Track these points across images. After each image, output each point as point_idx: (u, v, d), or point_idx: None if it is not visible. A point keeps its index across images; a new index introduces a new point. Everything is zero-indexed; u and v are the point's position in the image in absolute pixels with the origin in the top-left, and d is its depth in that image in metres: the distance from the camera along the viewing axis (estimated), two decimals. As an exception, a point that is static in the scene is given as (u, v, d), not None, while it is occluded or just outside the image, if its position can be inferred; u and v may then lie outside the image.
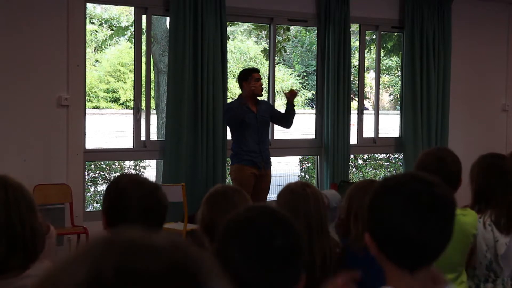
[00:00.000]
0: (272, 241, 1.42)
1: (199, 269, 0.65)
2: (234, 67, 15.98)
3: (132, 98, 7.16)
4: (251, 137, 6.41)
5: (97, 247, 0.65)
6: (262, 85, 6.54)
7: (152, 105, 8.74)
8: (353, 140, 7.99)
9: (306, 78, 16.98)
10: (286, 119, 6.72)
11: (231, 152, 6.57)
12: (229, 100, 7.14)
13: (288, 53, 16.62)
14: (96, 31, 15.42)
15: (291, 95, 6.61)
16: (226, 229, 1.47)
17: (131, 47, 14.79)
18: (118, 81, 15.93)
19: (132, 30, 8.10)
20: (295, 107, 6.85)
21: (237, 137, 6.45)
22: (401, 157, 8.67)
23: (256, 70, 6.62)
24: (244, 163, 6.40)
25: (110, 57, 15.96)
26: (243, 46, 16.69)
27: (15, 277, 1.95)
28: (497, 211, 3.12)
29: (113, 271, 0.62)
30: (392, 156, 11.61)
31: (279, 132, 7.95)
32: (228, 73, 7.27)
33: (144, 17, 6.93)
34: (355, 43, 8.65)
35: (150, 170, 10.23)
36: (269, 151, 6.61)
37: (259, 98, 6.56)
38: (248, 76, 6.48)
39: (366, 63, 9.13)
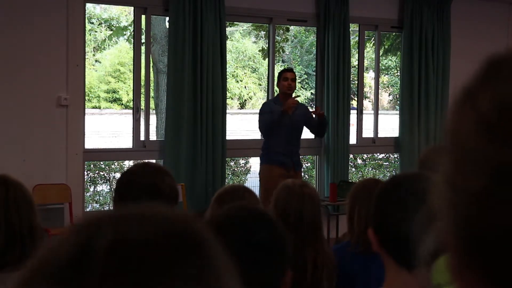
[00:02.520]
0: (250, 234, 1.42)
1: (196, 239, 0.63)
2: (233, 67, 15.98)
3: (132, 98, 7.16)
4: (282, 137, 6.45)
5: (87, 221, 0.63)
6: (290, 84, 6.61)
7: (152, 105, 8.74)
8: (353, 140, 8.00)
9: (306, 80, 17.00)
10: (317, 129, 6.84)
11: (260, 151, 6.64)
12: (228, 101, 7.15)
13: (287, 53, 16.62)
14: (95, 31, 15.42)
15: (319, 115, 6.71)
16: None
17: (130, 47, 14.83)
18: (118, 81, 15.93)
19: (132, 30, 8.10)
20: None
21: (269, 137, 6.48)
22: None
23: (288, 70, 6.81)
24: (273, 163, 6.42)
25: (110, 57, 15.96)
26: (242, 46, 16.68)
27: (13, 272, 1.98)
28: None
29: (104, 242, 0.59)
30: (391, 156, 11.61)
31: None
32: (227, 73, 7.27)
33: (143, 17, 6.92)
34: (354, 44, 8.64)
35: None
36: (299, 153, 6.65)
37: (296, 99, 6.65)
38: (280, 75, 6.67)
39: (366, 63, 9.13)
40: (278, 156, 6.42)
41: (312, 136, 7.86)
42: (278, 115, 6.37)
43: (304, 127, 6.82)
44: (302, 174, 12.02)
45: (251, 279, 1.39)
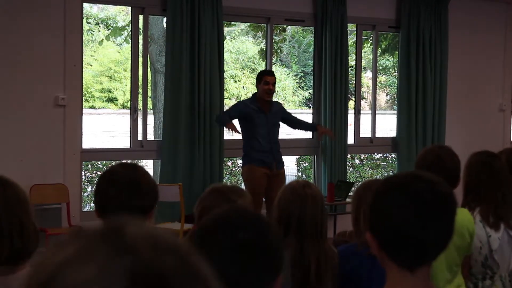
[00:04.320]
0: (236, 235, 1.42)
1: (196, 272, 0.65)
2: (232, 67, 15.97)
3: (129, 98, 7.16)
4: (262, 137, 6.47)
5: (102, 244, 0.62)
6: (271, 89, 6.57)
7: (149, 105, 8.74)
8: (350, 139, 8.00)
9: (303, 78, 16.99)
10: (301, 127, 7.07)
11: (242, 153, 6.62)
12: (226, 101, 7.16)
13: (285, 53, 16.61)
14: (93, 31, 15.41)
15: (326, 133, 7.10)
16: (196, 235, 1.48)
17: (118, 44, 14.81)
18: (111, 80, 15.90)
19: (129, 30, 8.09)
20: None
21: (248, 138, 6.49)
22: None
23: (269, 73, 6.73)
24: (255, 163, 6.42)
25: (99, 57, 15.93)
26: (242, 46, 16.68)
27: (7, 273, 1.96)
28: (484, 208, 3.15)
29: (126, 275, 0.60)
30: (389, 155, 11.63)
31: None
32: (225, 73, 7.27)
33: (141, 17, 6.92)
34: (352, 44, 8.65)
35: (147, 170, 10.20)
36: (280, 152, 6.65)
37: (273, 99, 6.69)
38: (261, 78, 6.59)
39: (363, 63, 9.13)
40: (260, 155, 6.45)
41: (310, 136, 7.87)
42: (248, 108, 6.52)
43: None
44: (301, 174, 12.04)
45: (234, 280, 1.38)
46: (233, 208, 1.60)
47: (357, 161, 12.15)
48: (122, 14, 14.89)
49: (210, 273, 0.67)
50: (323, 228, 2.73)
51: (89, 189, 10.33)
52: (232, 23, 13.40)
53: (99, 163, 10.07)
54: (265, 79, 6.55)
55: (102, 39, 11.53)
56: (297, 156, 11.43)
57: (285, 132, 8.27)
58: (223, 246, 1.40)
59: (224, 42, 7.28)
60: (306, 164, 11.95)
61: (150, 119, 9.01)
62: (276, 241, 1.46)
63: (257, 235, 1.43)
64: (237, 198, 2.42)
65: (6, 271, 1.97)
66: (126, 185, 2.23)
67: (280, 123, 6.79)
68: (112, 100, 16.02)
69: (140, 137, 6.93)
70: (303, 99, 17.18)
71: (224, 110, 6.99)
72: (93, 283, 0.59)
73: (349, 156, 8.36)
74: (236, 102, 6.78)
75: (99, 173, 10.41)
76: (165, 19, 7.16)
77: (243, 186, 6.59)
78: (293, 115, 7.00)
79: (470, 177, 3.21)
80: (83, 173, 7.21)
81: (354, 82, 8.37)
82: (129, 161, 2.40)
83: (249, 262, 1.40)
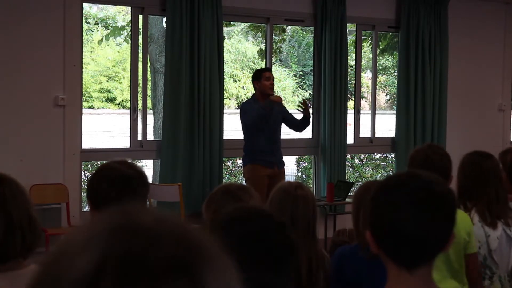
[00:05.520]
0: (264, 239, 1.42)
1: (202, 264, 0.64)
2: (232, 68, 15.97)
3: (128, 98, 7.16)
4: (264, 136, 6.45)
5: (102, 233, 0.64)
6: (272, 84, 6.60)
7: (149, 105, 8.73)
8: (350, 139, 8.00)
9: (302, 77, 16.99)
10: (299, 126, 6.84)
11: (243, 153, 6.61)
12: (225, 101, 7.15)
13: (284, 53, 16.61)
14: (92, 31, 15.40)
15: (304, 108, 6.67)
16: (212, 228, 1.47)
17: (117, 44, 14.81)
18: (109, 80, 15.89)
19: (129, 30, 8.09)
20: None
21: (250, 137, 6.48)
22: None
23: (267, 69, 6.76)
24: (258, 163, 6.42)
25: (97, 57, 15.92)
26: (242, 46, 16.67)
27: (16, 268, 1.97)
28: (480, 207, 3.16)
29: (117, 261, 0.61)
30: (388, 155, 11.63)
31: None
32: (225, 73, 7.27)
33: (140, 17, 6.92)
34: (351, 44, 8.65)
35: (146, 170, 10.19)
36: (281, 151, 6.64)
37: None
38: (260, 75, 6.57)
39: (362, 62, 9.13)
40: (262, 155, 6.44)
41: (309, 136, 7.87)
42: (268, 108, 6.35)
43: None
44: (300, 174, 12.04)
45: (261, 282, 1.38)
46: (252, 210, 1.60)
47: (356, 161, 12.15)
48: (121, 14, 14.89)
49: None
50: (314, 229, 2.73)
51: (88, 189, 10.31)
52: (232, 23, 13.40)
53: (98, 163, 10.04)
54: (266, 75, 6.56)
55: (102, 38, 11.50)
56: (297, 156, 11.43)
57: (285, 132, 8.27)
58: (247, 249, 1.40)
59: (224, 42, 7.28)
60: (306, 164, 11.95)
61: (150, 119, 9.01)
62: (295, 243, 1.48)
63: (284, 239, 1.44)
64: (248, 198, 2.44)
65: (15, 266, 1.98)
66: (117, 181, 2.23)
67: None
68: (111, 100, 16.01)
69: (139, 137, 6.92)
70: (302, 99, 17.18)
71: (224, 111, 6.99)
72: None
73: (348, 156, 8.35)
74: (240, 106, 6.73)
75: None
76: (164, 19, 7.16)
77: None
78: (293, 115, 6.94)
79: (463, 178, 3.24)
80: (82, 173, 7.19)
81: (353, 82, 8.37)
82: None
83: (275, 265, 1.40)
